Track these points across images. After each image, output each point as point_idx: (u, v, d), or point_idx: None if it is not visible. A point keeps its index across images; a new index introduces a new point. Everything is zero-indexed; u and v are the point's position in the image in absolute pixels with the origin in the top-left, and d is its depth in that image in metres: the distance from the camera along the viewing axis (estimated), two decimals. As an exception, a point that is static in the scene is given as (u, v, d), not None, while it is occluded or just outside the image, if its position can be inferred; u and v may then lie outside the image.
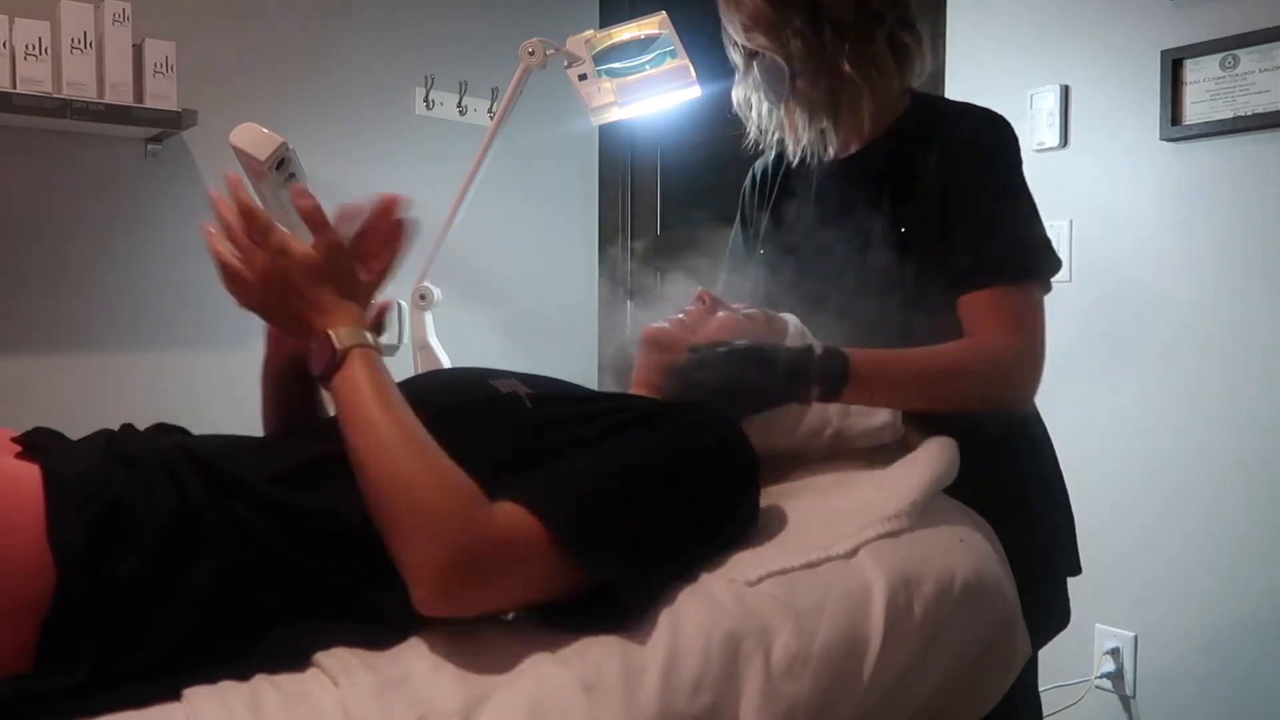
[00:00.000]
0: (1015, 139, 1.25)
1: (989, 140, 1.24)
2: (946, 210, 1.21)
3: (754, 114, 1.37)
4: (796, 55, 1.22)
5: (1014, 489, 1.23)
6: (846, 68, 1.22)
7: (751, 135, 1.39)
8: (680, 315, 1.18)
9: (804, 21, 1.21)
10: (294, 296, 0.86)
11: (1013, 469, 1.23)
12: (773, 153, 1.44)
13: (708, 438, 0.96)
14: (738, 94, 1.36)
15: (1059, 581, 1.32)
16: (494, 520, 0.78)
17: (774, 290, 1.34)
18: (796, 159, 1.31)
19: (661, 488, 0.89)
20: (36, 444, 0.89)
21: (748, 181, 1.48)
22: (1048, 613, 1.26)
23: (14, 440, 0.90)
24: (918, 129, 1.26)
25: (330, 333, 0.84)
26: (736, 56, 1.33)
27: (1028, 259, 1.20)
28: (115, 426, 0.96)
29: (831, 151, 1.27)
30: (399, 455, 0.79)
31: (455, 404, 0.96)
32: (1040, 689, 1.34)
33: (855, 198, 1.27)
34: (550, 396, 1.01)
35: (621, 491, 0.86)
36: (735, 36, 1.27)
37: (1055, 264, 1.22)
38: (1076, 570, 1.33)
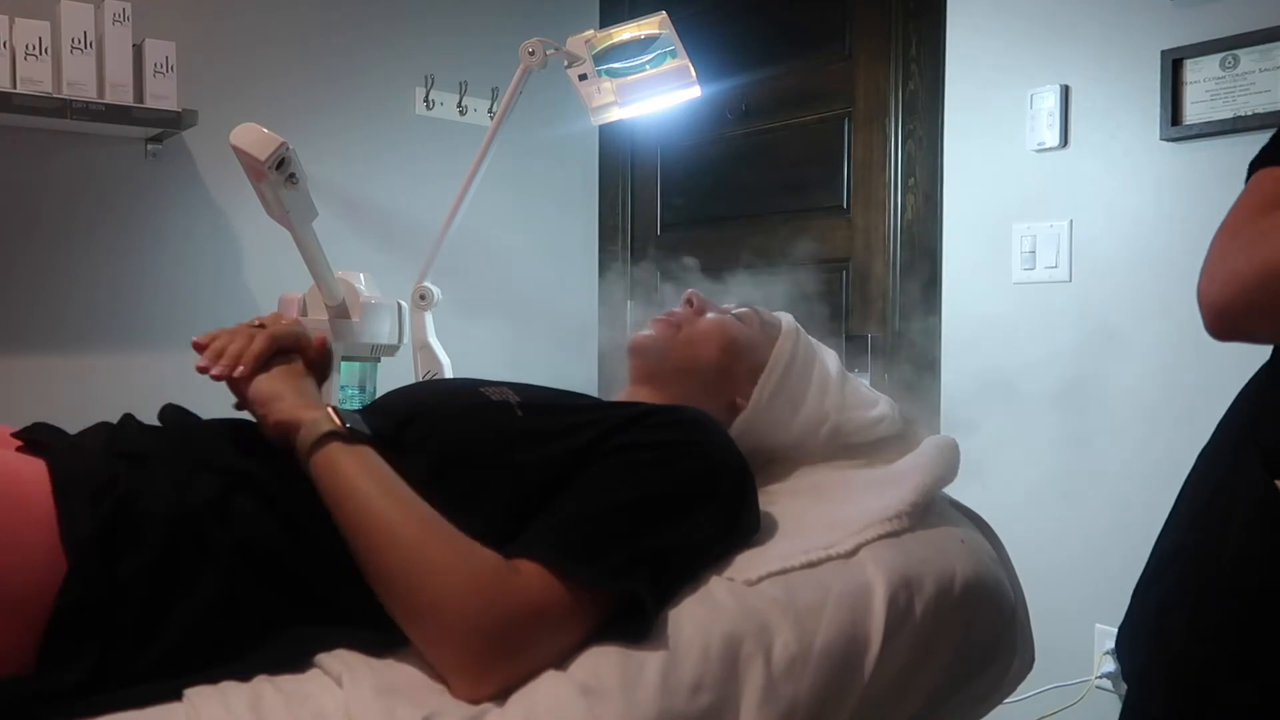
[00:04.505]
0: None
1: None
2: None
3: None
4: None
5: None
6: None
7: None
8: (666, 318, 1.17)
9: None
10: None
11: None
12: None
13: (695, 451, 0.95)
14: None
15: None
16: (518, 593, 0.77)
17: None
18: None
19: (664, 505, 0.88)
20: (37, 440, 0.88)
21: None
22: None
23: (13, 435, 0.89)
24: None
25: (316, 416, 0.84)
26: None
27: None
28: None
29: None
30: (415, 540, 0.78)
31: (447, 410, 0.96)
32: (1040, 689, 1.33)
33: None
34: (540, 405, 1.01)
35: (626, 515, 0.85)
36: None
37: None
38: None
